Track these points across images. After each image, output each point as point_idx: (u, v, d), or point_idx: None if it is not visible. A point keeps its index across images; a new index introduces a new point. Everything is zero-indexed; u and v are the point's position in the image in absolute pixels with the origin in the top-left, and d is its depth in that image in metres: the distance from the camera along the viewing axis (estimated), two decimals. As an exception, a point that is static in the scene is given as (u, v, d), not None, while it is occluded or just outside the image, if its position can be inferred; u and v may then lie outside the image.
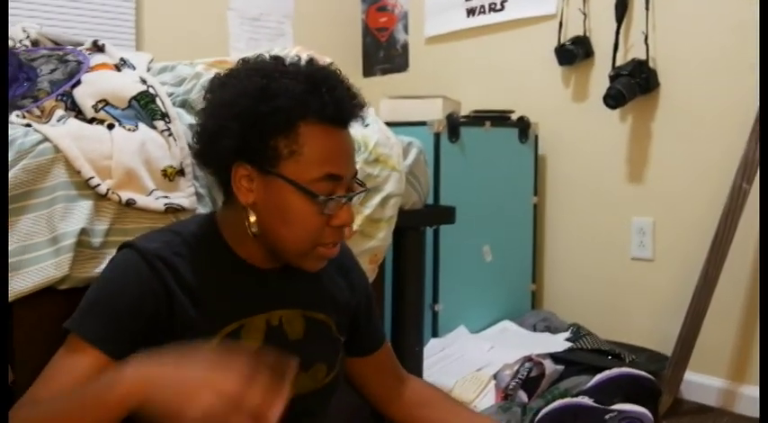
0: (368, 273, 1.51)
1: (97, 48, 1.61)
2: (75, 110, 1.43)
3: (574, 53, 2.81)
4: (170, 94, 1.49)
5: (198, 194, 1.39)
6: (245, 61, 1.16)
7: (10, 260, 1.17)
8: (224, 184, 1.15)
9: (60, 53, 1.58)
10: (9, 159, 1.19)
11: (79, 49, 1.63)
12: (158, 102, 1.42)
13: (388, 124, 1.73)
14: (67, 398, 0.99)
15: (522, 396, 2.20)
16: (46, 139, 1.25)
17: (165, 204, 1.32)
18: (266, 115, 1.06)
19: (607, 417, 1.99)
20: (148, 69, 1.63)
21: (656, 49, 2.61)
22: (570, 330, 2.70)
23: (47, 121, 1.36)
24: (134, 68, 1.55)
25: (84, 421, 0.95)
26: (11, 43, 1.62)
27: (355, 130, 1.63)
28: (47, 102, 1.43)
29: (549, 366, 2.29)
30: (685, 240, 2.56)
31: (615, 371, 2.20)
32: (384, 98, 2.94)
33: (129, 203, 1.29)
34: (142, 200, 1.30)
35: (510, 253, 2.92)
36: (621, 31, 2.69)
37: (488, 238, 2.84)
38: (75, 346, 1.07)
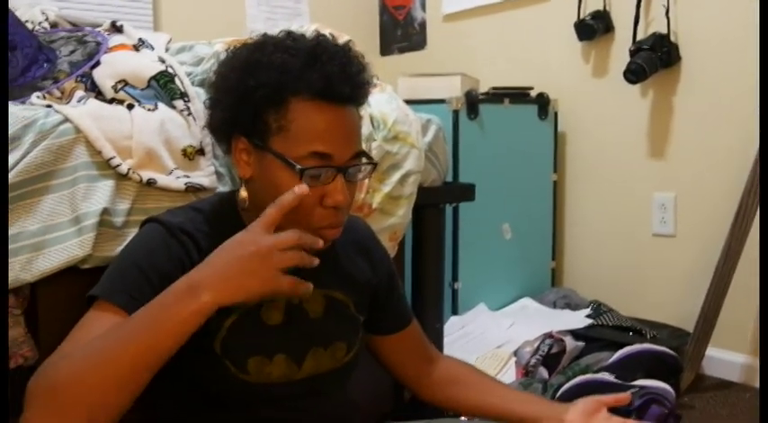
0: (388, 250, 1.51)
1: (115, 29, 1.62)
2: (95, 90, 1.44)
3: (594, 28, 2.78)
4: (188, 74, 1.49)
5: (218, 173, 1.40)
6: (259, 36, 1.15)
7: (33, 240, 1.18)
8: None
9: (79, 34, 1.59)
10: (30, 140, 1.20)
11: (97, 30, 1.63)
12: (177, 81, 1.42)
13: (407, 102, 1.73)
14: (121, 326, 0.97)
15: (543, 373, 2.20)
16: (66, 120, 1.26)
17: (186, 183, 1.33)
18: (253, 89, 1.05)
19: (628, 393, 1.98)
20: (167, 49, 1.63)
21: (677, 22, 2.58)
22: (591, 307, 2.69)
23: (67, 102, 1.37)
24: (152, 49, 1.56)
25: (150, 343, 0.94)
26: (30, 26, 1.63)
27: (373, 108, 1.65)
28: (67, 83, 1.44)
29: (570, 343, 2.29)
30: (707, 216, 2.54)
31: (636, 347, 2.20)
32: (402, 76, 2.92)
33: (150, 183, 1.30)
34: (163, 179, 1.31)
35: (530, 230, 2.91)
36: (642, 4, 2.65)
37: (508, 216, 2.83)
38: (103, 309, 1.05)
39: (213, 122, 1.14)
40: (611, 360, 2.17)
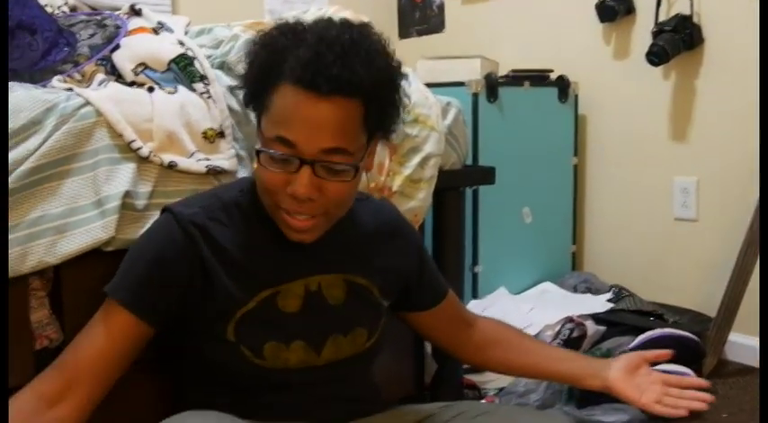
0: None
1: (134, 12, 1.61)
2: (115, 74, 1.44)
3: (615, 9, 2.74)
4: (208, 57, 1.49)
5: (239, 156, 1.40)
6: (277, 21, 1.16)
7: (57, 223, 1.19)
8: None
9: (98, 18, 1.59)
10: (52, 123, 1.21)
11: (117, 13, 1.63)
12: (197, 64, 1.42)
13: (426, 86, 1.71)
14: None
15: (564, 357, 2.19)
16: (88, 103, 1.26)
17: (207, 166, 1.33)
18: (254, 70, 1.10)
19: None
20: (186, 32, 1.63)
21: (700, 3, 2.53)
22: (611, 291, 2.68)
23: (88, 86, 1.37)
24: (172, 32, 1.56)
25: None
26: (49, 10, 1.63)
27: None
28: (87, 66, 1.44)
29: (591, 327, 2.28)
30: (730, 200, 2.51)
31: (658, 331, 2.18)
32: (421, 59, 2.90)
33: (171, 166, 1.30)
34: (183, 162, 1.31)
35: (550, 214, 2.89)
36: (664, -15, 2.62)
37: (528, 200, 2.81)
38: (109, 310, 1.11)
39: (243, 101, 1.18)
40: (632, 344, 2.16)
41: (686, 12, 2.54)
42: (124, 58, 1.45)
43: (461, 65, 2.76)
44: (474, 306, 2.58)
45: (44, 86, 1.33)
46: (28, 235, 1.17)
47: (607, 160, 2.93)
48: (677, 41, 2.51)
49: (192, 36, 1.63)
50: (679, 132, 2.67)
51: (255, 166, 1.11)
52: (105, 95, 1.29)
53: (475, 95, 2.62)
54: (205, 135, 1.36)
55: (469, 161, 1.93)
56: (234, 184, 1.26)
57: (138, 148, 1.27)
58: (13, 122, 1.16)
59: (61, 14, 1.64)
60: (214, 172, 1.34)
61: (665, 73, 2.68)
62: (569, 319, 2.28)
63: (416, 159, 1.62)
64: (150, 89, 1.37)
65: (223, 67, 1.51)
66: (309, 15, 1.45)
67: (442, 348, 1.39)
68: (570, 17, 2.97)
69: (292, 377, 1.16)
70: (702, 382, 1.37)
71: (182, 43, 1.46)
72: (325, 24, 1.09)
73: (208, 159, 1.34)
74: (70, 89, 1.30)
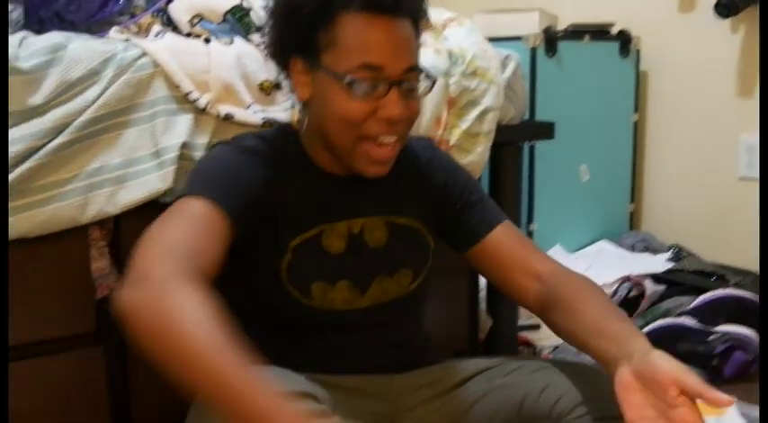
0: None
1: (190, -37, 1.60)
2: (171, 25, 1.44)
3: (681, -41, 2.64)
4: (264, 7, 1.47)
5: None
6: None
7: (116, 173, 1.20)
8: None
9: (154, -31, 1.58)
10: (110, 74, 1.21)
11: (173, -35, 1.62)
12: (253, 15, 1.42)
13: (483, 38, 1.68)
14: (207, 357, 0.83)
15: (621, 316, 2.16)
16: (145, 54, 1.26)
17: (263, 118, 1.33)
18: (301, 6, 1.06)
19: (710, 338, 1.93)
20: (241, -17, 1.62)
21: (773, -49, 2.42)
22: (671, 251, 2.62)
23: (144, 37, 1.37)
24: (227, -18, 1.54)
25: (204, 380, 0.83)
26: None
27: (451, 42, 1.60)
28: (143, 18, 1.44)
29: (650, 286, 2.23)
30: (799, 158, 2.42)
31: (719, 292, 2.13)
32: (478, 12, 2.84)
33: (228, 117, 1.30)
34: (240, 114, 1.31)
35: (608, 172, 2.83)
36: (735, -68, 2.50)
37: (586, 157, 2.75)
38: (190, 201, 1.03)
39: (270, 46, 1.15)
40: (692, 305, 2.11)
41: (758, -40, 2.43)
42: (180, 10, 1.44)
43: (519, 18, 2.70)
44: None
45: (101, 38, 1.34)
46: (88, 185, 1.18)
47: (669, 117, 2.85)
48: (748, -8, 2.40)
49: (248, -13, 1.61)
50: (746, 88, 2.57)
51: (330, 101, 1.07)
52: (162, 46, 1.29)
53: (533, 50, 2.55)
54: (261, 87, 1.35)
55: (527, 117, 1.89)
56: (271, 129, 1.25)
57: (195, 100, 1.27)
58: (72, 73, 1.17)
59: (117, -33, 1.64)
60: (270, 124, 1.33)
61: (733, 26, 2.57)
62: (627, 279, 2.24)
63: (474, 113, 1.59)
64: (207, 40, 1.37)
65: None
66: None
67: (507, 294, 1.29)
68: (633, -32, 2.87)
69: (339, 319, 1.16)
70: None
71: (237, -6, 1.44)
72: None
73: (264, 111, 1.34)
74: (128, 40, 1.30)
